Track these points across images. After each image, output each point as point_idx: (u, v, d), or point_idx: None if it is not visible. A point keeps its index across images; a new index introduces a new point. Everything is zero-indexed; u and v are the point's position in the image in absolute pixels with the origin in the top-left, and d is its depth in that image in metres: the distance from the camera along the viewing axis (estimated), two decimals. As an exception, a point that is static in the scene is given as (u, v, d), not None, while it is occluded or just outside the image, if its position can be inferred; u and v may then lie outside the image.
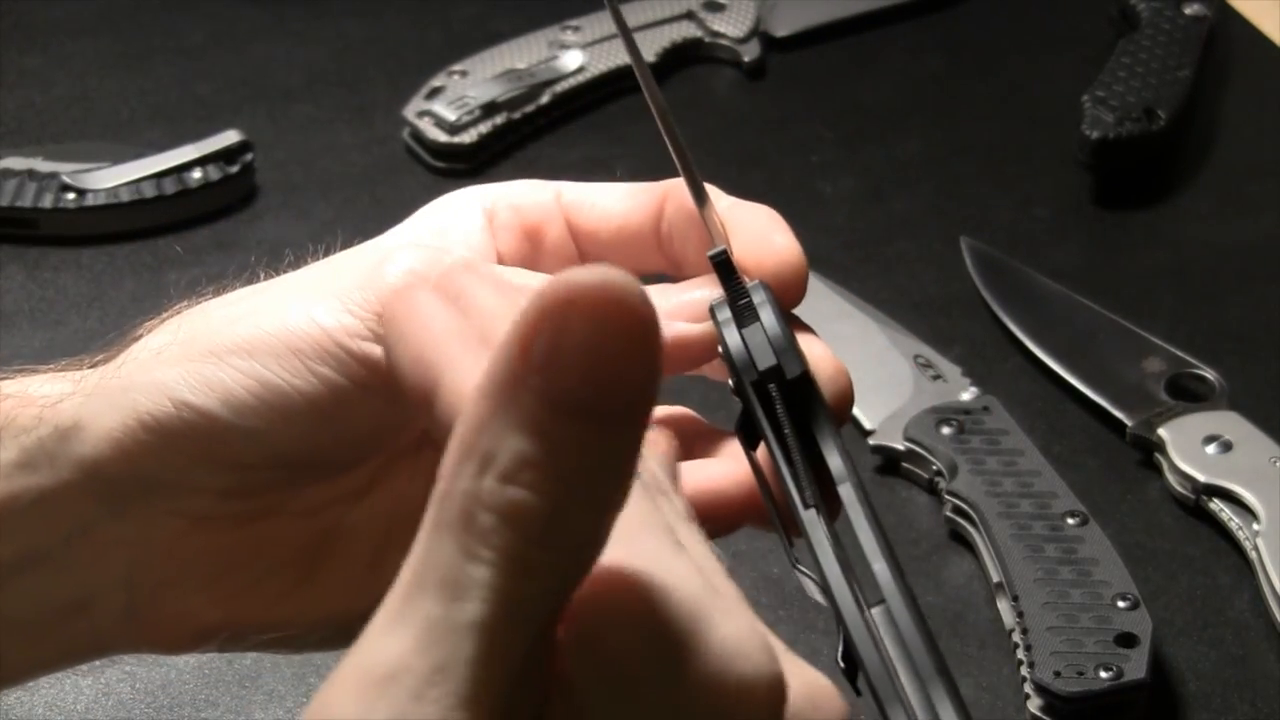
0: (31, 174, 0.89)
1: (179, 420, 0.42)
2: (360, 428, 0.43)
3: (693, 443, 0.45)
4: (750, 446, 0.43)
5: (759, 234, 0.44)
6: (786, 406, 0.41)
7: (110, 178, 0.90)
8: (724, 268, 0.43)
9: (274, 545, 0.44)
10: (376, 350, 0.42)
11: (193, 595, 0.44)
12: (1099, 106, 0.93)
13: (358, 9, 1.06)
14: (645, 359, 0.31)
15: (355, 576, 0.46)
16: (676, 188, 0.46)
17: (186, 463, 0.42)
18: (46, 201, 0.89)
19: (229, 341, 0.42)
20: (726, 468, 0.44)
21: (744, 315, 0.43)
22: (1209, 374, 0.82)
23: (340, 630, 0.46)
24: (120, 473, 0.42)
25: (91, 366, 0.44)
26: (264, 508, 0.44)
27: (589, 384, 0.31)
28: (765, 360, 0.42)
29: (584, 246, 0.47)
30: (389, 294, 0.41)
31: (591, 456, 0.31)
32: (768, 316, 0.43)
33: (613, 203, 0.47)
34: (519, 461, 0.31)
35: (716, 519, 0.43)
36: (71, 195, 0.89)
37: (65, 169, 0.90)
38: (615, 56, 0.98)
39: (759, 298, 0.43)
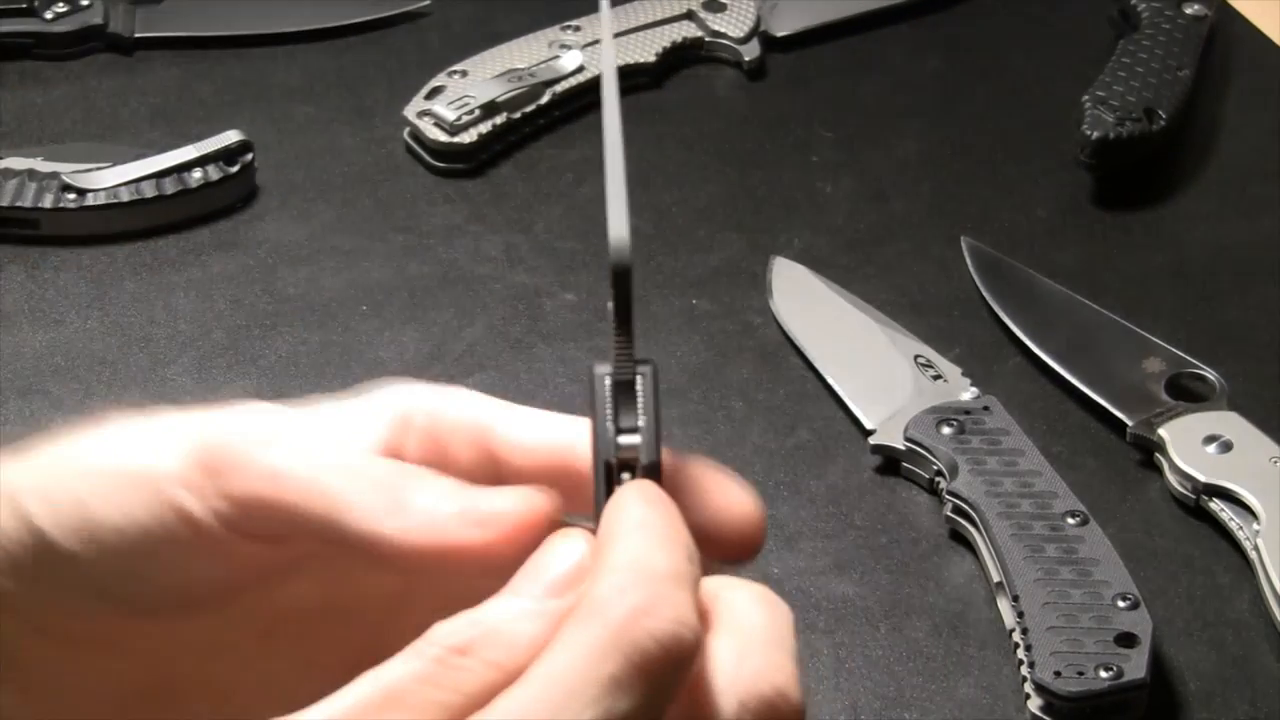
0: (31, 174, 0.89)
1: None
2: (180, 576, 0.42)
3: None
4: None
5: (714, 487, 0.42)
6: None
7: (110, 178, 0.90)
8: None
9: (111, 680, 0.44)
10: (189, 503, 0.41)
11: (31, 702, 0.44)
12: (1099, 106, 0.93)
13: (358, 9, 1.06)
14: None
15: None
16: None
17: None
18: (46, 201, 0.89)
19: (62, 466, 0.42)
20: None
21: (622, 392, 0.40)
22: (1209, 374, 0.82)
23: None
24: None
25: None
26: (97, 639, 0.43)
27: None
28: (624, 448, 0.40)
29: (506, 478, 0.43)
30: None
31: None
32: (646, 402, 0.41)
33: (540, 441, 0.43)
34: None
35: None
36: (71, 195, 0.89)
37: (65, 169, 0.89)
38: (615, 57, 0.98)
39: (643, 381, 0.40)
